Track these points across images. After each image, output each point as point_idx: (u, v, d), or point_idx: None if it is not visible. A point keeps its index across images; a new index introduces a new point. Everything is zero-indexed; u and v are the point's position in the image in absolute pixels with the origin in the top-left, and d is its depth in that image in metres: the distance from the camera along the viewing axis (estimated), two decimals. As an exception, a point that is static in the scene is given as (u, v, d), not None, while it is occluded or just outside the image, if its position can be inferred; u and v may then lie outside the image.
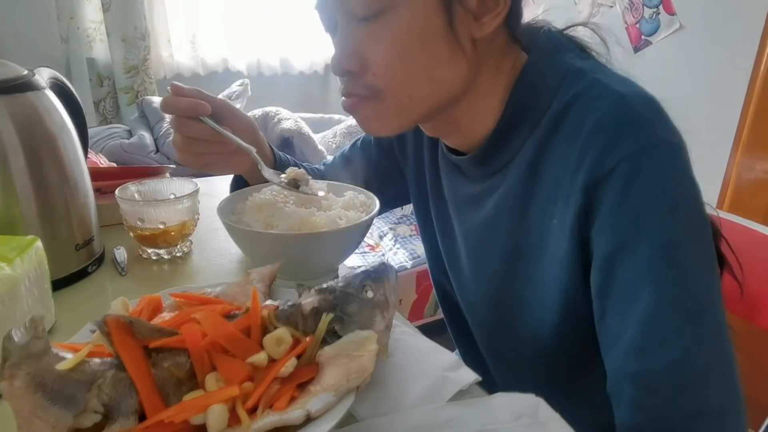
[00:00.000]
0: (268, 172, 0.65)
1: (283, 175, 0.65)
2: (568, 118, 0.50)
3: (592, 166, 0.46)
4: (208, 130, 0.63)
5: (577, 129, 0.48)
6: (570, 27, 0.58)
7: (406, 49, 0.49)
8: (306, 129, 1.98)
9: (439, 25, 0.48)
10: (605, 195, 0.46)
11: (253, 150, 0.65)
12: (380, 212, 0.66)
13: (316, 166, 0.86)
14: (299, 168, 0.80)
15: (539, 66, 0.53)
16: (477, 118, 0.56)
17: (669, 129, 0.47)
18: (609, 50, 0.57)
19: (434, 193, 0.70)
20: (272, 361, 0.37)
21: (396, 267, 0.75)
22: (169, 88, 0.64)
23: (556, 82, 0.52)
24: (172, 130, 0.66)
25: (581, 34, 0.58)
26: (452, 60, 0.50)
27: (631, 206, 0.45)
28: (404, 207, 1.98)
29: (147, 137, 1.86)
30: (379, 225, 1.99)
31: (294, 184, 0.65)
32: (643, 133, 0.45)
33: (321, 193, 0.66)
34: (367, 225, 0.62)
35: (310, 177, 0.67)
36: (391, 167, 0.78)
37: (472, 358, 0.75)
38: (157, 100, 2.01)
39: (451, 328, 0.80)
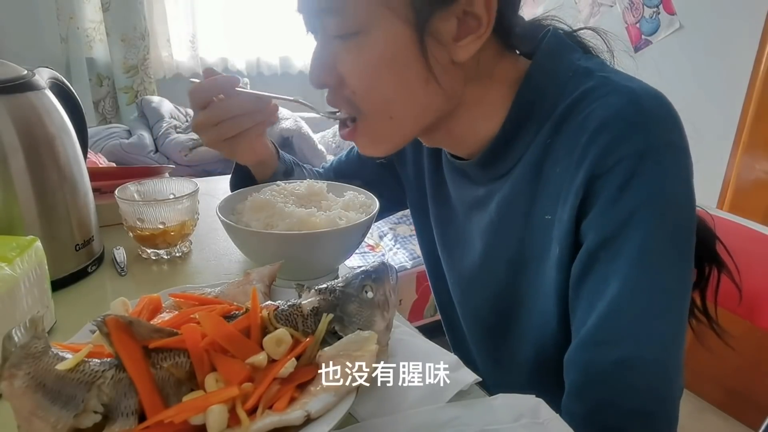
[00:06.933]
0: (322, 113, 0.64)
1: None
2: (574, 115, 0.49)
3: (595, 161, 0.46)
4: (248, 99, 0.63)
5: (582, 125, 0.47)
6: (576, 31, 0.58)
7: (378, 74, 0.49)
8: (306, 128, 1.98)
9: (413, 53, 0.48)
10: (602, 190, 0.46)
11: (299, 97, 0.66)
12: (378, 218, 0.66)
13: (315, 168, 0.86)
14: (300, 168, 0.80)
15: (544, 68, 0.53)
16: (474, 127, 0.56)
17: (678, 131, 0.46)
18: (614, 54, 0.57)
19: (436, 200, 0.69)
20: (272, 361, 0.37)
21: (396, 267, 0.75)
22: (202, 72, 0.64)
23: (562, 82, 0.51)
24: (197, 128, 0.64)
25: (584, 36, 0.58)
26: (428, 86, 0.50)
27: (624, 205, 0.45)
28: (404, 207, 1.97)
29: (146, 137, 1.86)
30: (379, 225, 1.99)
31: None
32: (651, 133, 0.45)
33: None
34: (367, 225, 0.62)
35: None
36: (388, 173, 0.78)
37: (466, 364, 0.74)
38: (156, 100, 2.01)
39: (447, 333, 0.80)
